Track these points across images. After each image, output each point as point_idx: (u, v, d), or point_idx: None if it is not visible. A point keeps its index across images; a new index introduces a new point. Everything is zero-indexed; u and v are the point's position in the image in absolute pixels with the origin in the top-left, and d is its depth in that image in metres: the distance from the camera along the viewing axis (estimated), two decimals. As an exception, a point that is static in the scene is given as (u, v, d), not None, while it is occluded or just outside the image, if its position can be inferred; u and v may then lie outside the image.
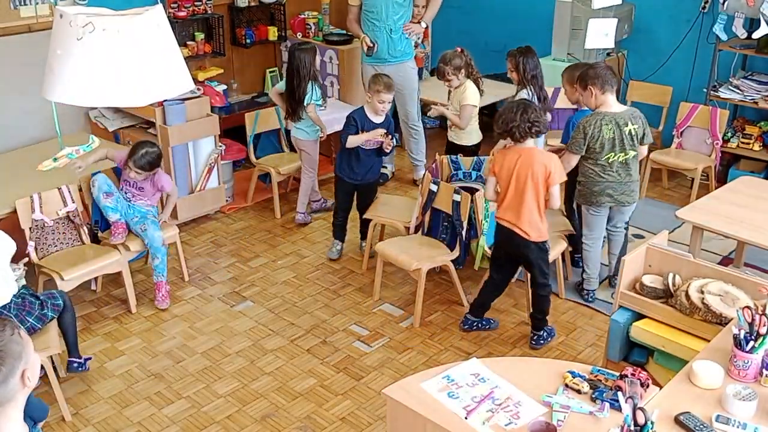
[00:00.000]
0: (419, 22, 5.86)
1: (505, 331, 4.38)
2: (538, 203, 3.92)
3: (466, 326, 4.36)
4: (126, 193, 4.53)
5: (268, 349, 4.23)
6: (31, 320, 3.57)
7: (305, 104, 5.26)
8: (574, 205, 4.66)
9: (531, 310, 4.23)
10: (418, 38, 6.49)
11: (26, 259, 4.03)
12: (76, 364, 3.91)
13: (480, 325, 4.36)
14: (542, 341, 4.21)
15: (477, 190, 4.44)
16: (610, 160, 4.23)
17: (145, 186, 4.53)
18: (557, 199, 3.98)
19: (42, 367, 3.40)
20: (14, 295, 3.58)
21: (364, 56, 5.78)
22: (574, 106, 4.80)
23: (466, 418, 2.57)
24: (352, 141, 4.74)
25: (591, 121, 4.19)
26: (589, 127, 4.18)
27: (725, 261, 4.92)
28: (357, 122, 4.75)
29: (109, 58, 2.57)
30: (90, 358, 4.05)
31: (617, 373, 2.72)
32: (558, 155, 4.21)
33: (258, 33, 6.64)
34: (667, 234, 3.73)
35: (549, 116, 4.86)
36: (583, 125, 4.21)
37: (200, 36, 6.14)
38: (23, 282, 3.80)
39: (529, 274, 4.19)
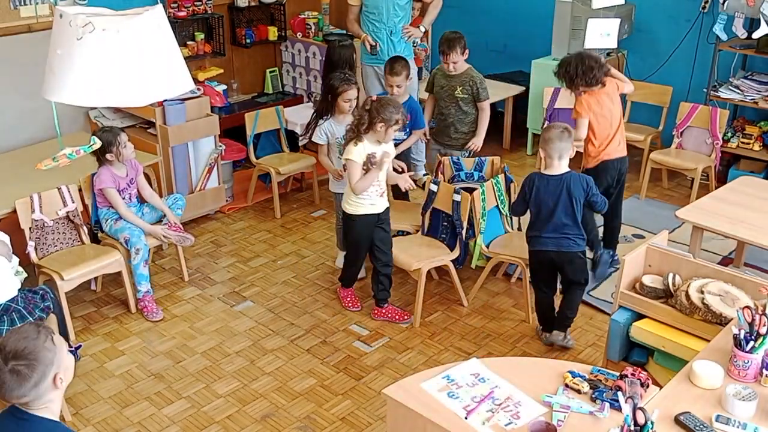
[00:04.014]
0: (418, 26, 5.85)
1: (505, 331, 4.38)
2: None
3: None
4: (130, 198, 4.55)
5: (268, 349, 4.23)
6: (38, 312, 3.65)
7: None
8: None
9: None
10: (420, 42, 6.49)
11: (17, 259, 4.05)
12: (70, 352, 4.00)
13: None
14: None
15: (476, 189, 4.44)
16: None
17: (130, 173, 4.54)
18: None
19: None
20: (18, 290, 3.65)
21: (365, 57, 5.77)
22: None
23: (466, 418, 2.57)
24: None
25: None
26: None
27: (725, 261, 4.92)
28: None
29: (109, 58, 2.58)
30: (80, 346, 4.13)
31: (617, 373, 2.72)
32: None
33: (258, 33, 6.64)
34: (667, 234, 3.74)
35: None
36: (482, 80, 4.98)
37: (200, 36, 6.15)
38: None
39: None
